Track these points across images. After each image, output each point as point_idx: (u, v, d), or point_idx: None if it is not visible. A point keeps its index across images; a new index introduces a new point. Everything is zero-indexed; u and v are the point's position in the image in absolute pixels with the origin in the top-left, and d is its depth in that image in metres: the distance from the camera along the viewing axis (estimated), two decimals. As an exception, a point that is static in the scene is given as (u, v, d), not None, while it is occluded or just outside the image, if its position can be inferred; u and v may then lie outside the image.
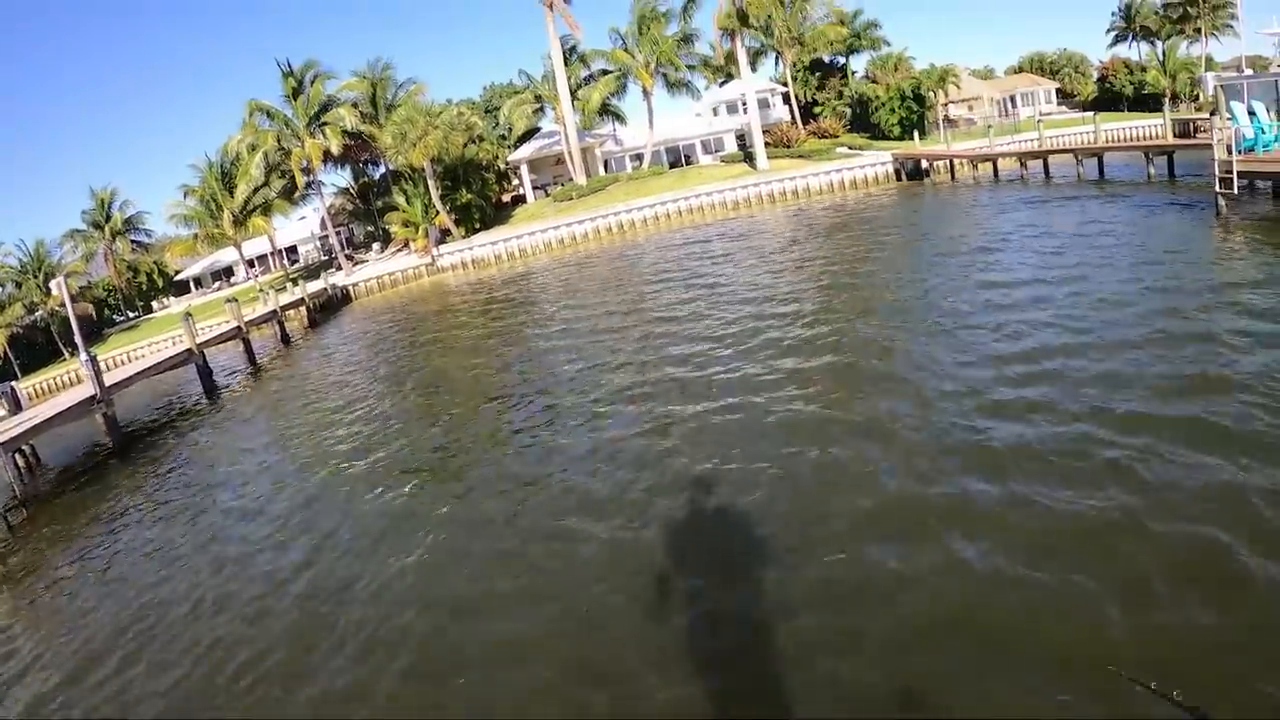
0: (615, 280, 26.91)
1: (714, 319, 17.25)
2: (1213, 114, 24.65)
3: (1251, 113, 24.09)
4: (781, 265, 23.03)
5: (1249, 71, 44.11)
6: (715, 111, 60.68)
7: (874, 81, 56.80)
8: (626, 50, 50.89)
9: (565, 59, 48.82)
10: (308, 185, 50.43)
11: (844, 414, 10.11)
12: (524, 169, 55.80)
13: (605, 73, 52.53)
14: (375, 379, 19.75)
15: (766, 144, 47.63)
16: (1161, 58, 62.71)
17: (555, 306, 24.10)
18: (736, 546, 7.47)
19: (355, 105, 47.38)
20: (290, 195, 51.93)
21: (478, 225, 48.19)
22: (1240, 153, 21.01)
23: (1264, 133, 22.91)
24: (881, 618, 5.99)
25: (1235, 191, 19.81)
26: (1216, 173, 19.97)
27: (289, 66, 45.61)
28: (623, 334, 17.87)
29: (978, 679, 5.20)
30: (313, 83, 46.19)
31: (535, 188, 55.58)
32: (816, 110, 56.95)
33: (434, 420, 14.40)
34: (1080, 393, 9.21)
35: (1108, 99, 64.91)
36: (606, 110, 55.00)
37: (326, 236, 59.76)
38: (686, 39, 51.47)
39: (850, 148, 47.76)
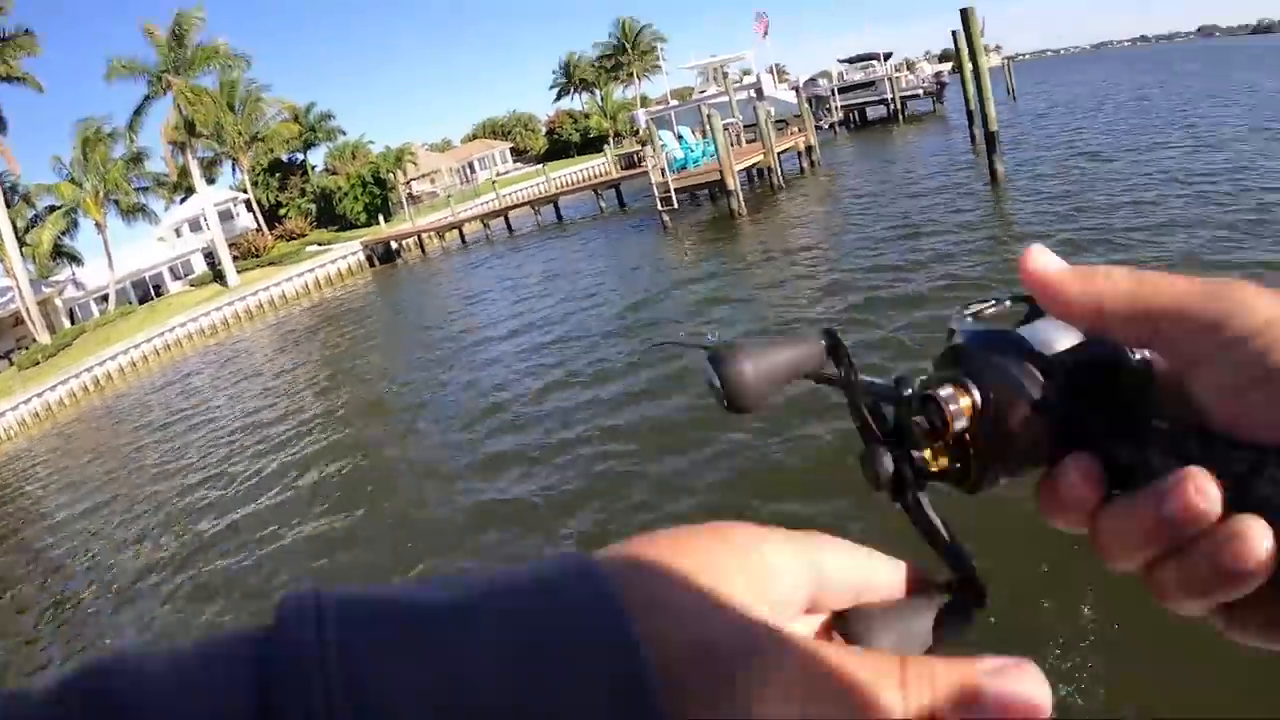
0: (105, 447, 23.54)
1: (215, 458, 15.98)
2: (643, 145, 29.51)
3: (680, 136, 28.17)
4: (272, 382, 22.29)
5: (674, 102, 53.48)
6: (179, 232, 56.39)
7: (334, 173, 57.40)
8: (73, 181, 45.28)
9: (6, 200, 42.07)
10: None
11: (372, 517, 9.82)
12: (-30, 342, 46.87)
13: (54, 209, 46.36)
14: None
15: (235, 256, 45.66)
16: (601, 103, 71.36)
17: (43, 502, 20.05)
18: None
19: None
20: None
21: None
22: (675, 172, 24.47)
23: (692, 151, 26.90)
24: None
25: (675, 206, 22.87)
26: (656, 194, 22.88)
27: None
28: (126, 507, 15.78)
29: None
30: None
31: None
32: (282, 212, 55.86)
33: None
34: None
35: (558, 149, 72.33)
36: (61, 252, 48.53)
37: None
38: (137, 159, 47.04)
39: (319, 244, 47.62)
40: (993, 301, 0.41)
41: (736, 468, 7.57)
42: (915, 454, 0.38)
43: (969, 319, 0.40)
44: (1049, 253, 0.38)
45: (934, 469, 0.38)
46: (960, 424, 0.36)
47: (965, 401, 0.37)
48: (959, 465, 0.38)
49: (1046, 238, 12.64)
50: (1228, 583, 0.31)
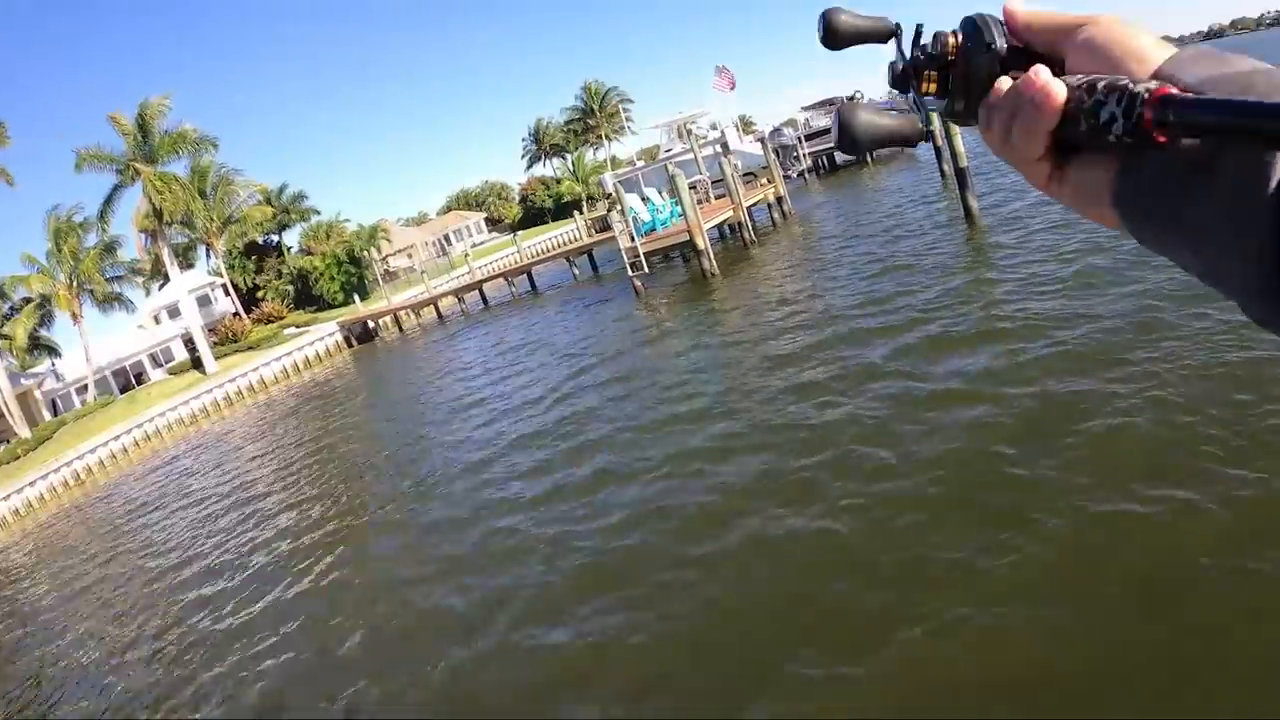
0: (83, 545, 22.74)
1: (196, 551, 15.32)
2: (610, 209, 29.34)
3: (646, 198, 27.73)
4: (250, 468, 21.69)
5: (641, 163, 53.82)
6: (158, 319, 56.22)
7: (310, 253, 57.48)
8: (44, 273, 44.93)
9: (-19, 294, 41.79)
10: None
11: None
12: (-50, 441, 46.10)
13: (28, 301, 46.04)
14: None
15: (214, 342, 45.41)
16: (572, 168, 71.47)
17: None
18: None
19: None
20: None
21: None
22: (644, 235, 24.18)
23: (659, 212, 26.53)
24: None
25: (647, 270, 22.55)
26: (626, 260, 22.63)
27: None
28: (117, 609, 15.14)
29: None
30: None
31: (-19, 455, 46.13)
32: (260, 294, 55.74)
33: None
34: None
35: (532, 215, 72.57)
36: (39, 344, 48.15)
37: None
38: (110, 248, 46.77)
39: (297, 326, 47.43)
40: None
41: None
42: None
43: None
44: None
45: (926, 89, 0.64)
46: (949, 48, 0.62)
47: (953, 41, 0.62)
48: (944, 88, 0.63)
49: (1026, 273, 12.57)
50: (1024, 114, 0.54)
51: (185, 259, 56.88)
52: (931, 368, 10.09)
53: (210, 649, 9.78)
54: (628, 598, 6.98)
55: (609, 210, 27.35)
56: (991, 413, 8.08)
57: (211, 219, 50.63)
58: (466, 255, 43.15)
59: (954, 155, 18.43)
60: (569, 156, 74.71)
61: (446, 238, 70.29)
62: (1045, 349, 9.31)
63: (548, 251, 46.40)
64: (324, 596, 9.92)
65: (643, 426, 11.52)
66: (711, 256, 21.90)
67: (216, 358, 43.79)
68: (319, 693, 7.54)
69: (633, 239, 22.79)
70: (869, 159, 46.34)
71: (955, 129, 18.32)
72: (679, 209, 22.59)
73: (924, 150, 40.37)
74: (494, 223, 78.78)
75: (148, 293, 58.00)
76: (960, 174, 18.30)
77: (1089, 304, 10.42)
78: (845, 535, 6.72)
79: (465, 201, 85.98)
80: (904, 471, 7.45)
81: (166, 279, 55.73)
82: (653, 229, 25.59)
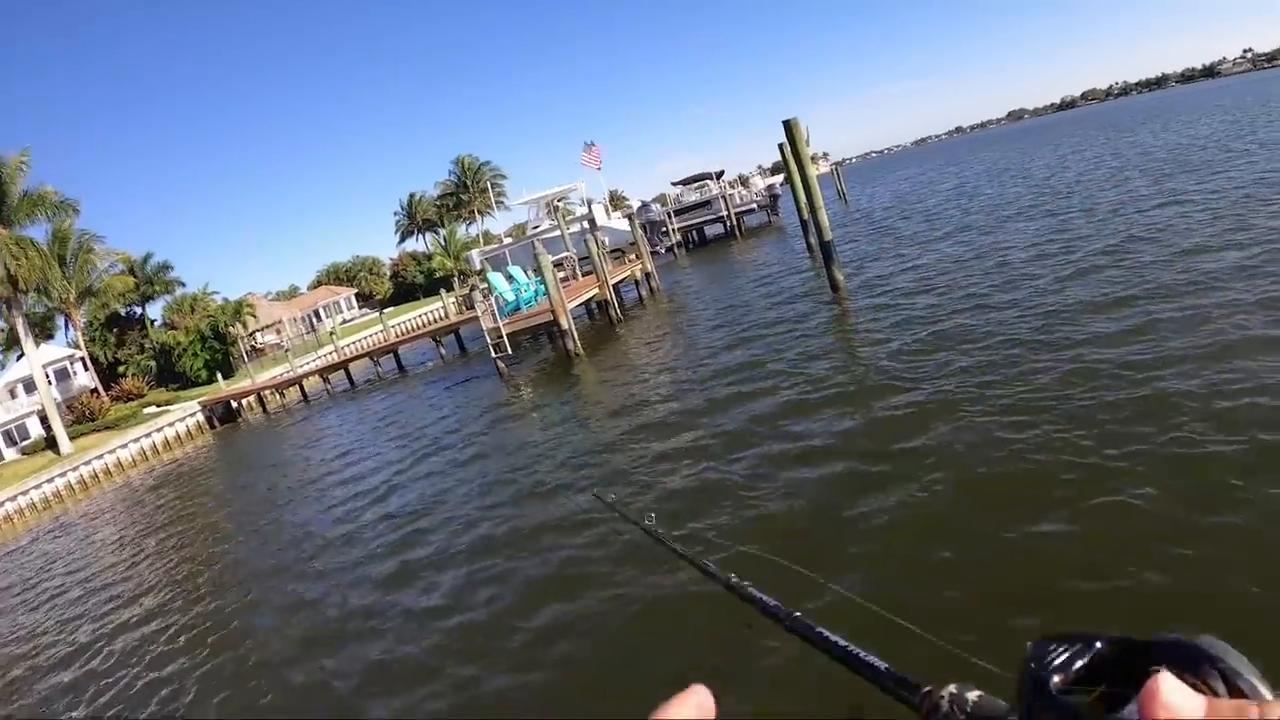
0: None
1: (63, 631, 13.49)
2: (472, 289, 28.51)
3: (510, 277, 27.17)
4: (117, 553, 19.64)
5: (508, 240, 53.34)
6: (14, 393, 51.74)
7: (174, 328, 54.57)
8: None
9: None
10: None
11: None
12: None
13: None
14: None
15: (71, 420, 42.16)
16: (444, 243, 70.62)
17: None
18: None
19: None
20: None
21: None
22: (507, 316, 23.64)
23: (523, 291, 25.90)
24: None
25: (510, 352, 22.06)
26: (489, 340, 22.06)
27: None
28: None
29: None
30: None
31: None
32: (121, 369, 52.36)
33: None
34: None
35: (404, 291, 71.49)
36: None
37: None
38: None
39: (157, 404, 44.64)
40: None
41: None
42: None
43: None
44: (1181, 688, 0.42)
45: None
46: None
47: None
48: None
49: (893, 348, 12.79)
50: None
51: (44, 328, 53.05)
52: (787, 429, 10.43)
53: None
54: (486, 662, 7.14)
55: (470, 290, 26.69)
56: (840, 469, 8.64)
57: (70, 288, 47.43)
58: (333, 333, 41.63)
59: (819, 229, 18.81)
60: (441, 231, 73.92)
61: (316, 313, 67.96)
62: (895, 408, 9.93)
63: (415, 330, 45.57)
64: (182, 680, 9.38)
65: (489, 507, 11.55)
66: (575, 336, 21.63)
67: (72, 437, 40.56)
68: None
69: (495, 319, 22.24)
70: (737, 233, 47.68)
71: (820, 202, 18.84)
72: (543, 288, 22.29)
73: (789, 220, 41.90)
74: (365, 298, 77.00)
75: (2, 365, 53.72)
76: (825, 246, 18.75)
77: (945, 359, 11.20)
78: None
79: (336, 276, 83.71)
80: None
81: (22, 351, 51.63)
82: (517, 308, 25.21)
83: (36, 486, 36.74)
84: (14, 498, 35.86)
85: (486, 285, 25.86)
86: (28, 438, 46.79)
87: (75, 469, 37.74)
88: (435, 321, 44.34)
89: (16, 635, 15.26)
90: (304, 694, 7.93)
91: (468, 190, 75.31)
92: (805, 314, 17.95)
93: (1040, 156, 50.93)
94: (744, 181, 58.17)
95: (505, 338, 22.07)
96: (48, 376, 45.76)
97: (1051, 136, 76.53)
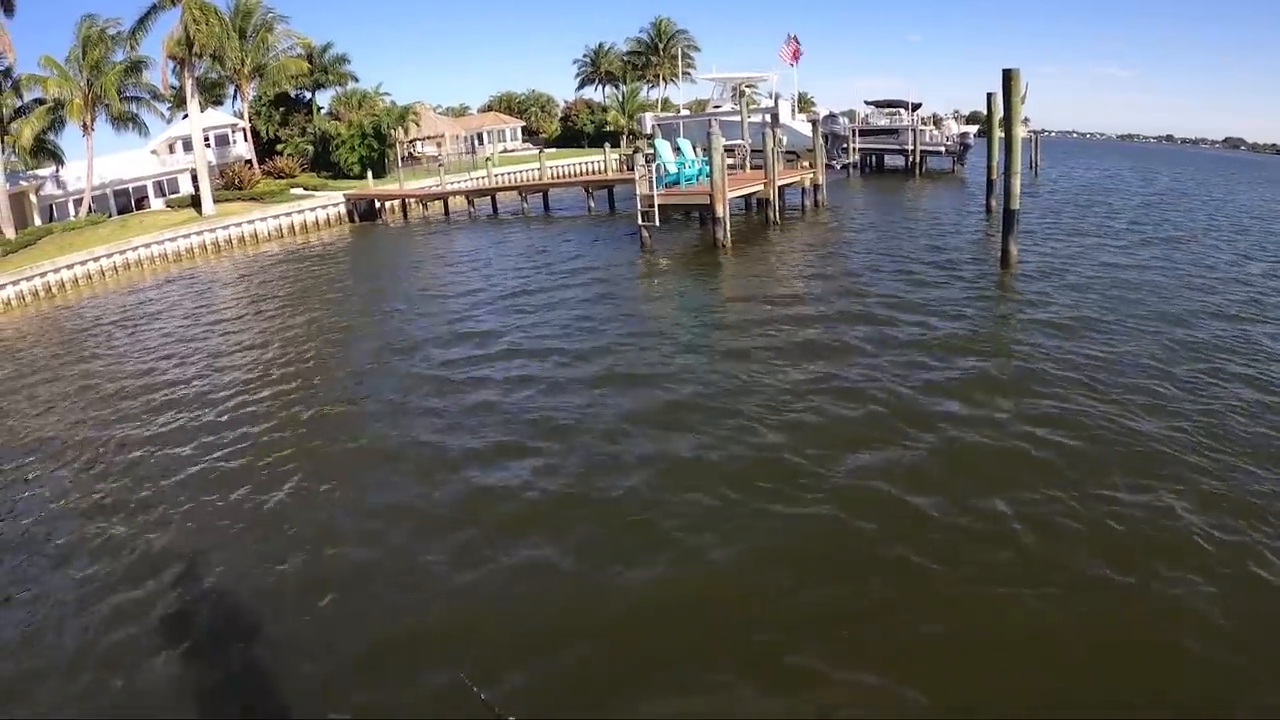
0: (41, 360, 21.34)
1: (153, 383, 13.97)
2: (636, 151, 27.75)
3: (678, 149, 25.99)
4: (223, 320, 20.15)
5: (686, 113, 52.03)
6: (172, 149, 54.81)
7: (338, 119, 55.98)
8: (63, 78, 43.39)
9: (-2, 84, 40.28)
10: None
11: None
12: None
13: (40, 103, 44.51)
14: None
15: (220, 186, 44.35)
16: (622, 99, 68.91)
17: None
18: None
19: None
20: None
21: None
22: (664, 187, 22.84)
23: (686, 167, 24.68)
24: None
25: (657, 224, 21.38)
26: (639, 207, 21.34)
27: None
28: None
29: None
30: None
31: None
32: (280, 147, 54.47)
33: None
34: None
35: (570, 135, 70.67)
36: (44, 148, 46.61)
37: None
38: (135, 67, 45.10)
39: (305, 188, 46.25)
40: None
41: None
42: None
43: None
44: None
45: None
46: None
47: None
48: None
49: (1047, 354, 11.34)
50: None
51: (213, 95, 55.20)
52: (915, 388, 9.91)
53: (145, 473, 9.83)
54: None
55: (635, 151, 25.76)
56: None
57: (244, 60, 49.04)
58: (489, 159, 41.75)
59: (1007, 195, 17.13)
60: (622, 87, 72.46)
61: (480, 136, 68.34)
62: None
63: (570, 177, 45.20)
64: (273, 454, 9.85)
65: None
66: (727, 227, 20.82)
67: (217, 200, 42.67)
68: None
69: (651, 187, 21.56)
70: (917, 172, 45.03)
71: (1017, 166, 17.06)
72: (707, 168, 21.41)
73: (975, 173, 39.08)
74: (531, 133, 77.08)
75: (169, 120, 56.56)
76: (1008, 215, 17.11)
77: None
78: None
79: (508, 105, 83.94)
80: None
81: (187, 112, 54.19)
82: (676, 182, 24.18)
83: (172, 239, 38.90)
84: (148, 245, 38.21)
85: (652, 151, 24.92)
86: (177, 192, 49.45)
87: (211, 231, 39.73)
88: (593, 173, 43.79)
89: (121, 370, 16.16)
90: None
91: (657, 53, 73.19)
92: (968, 283, 16.32)
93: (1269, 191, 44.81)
94: (937, 121, 54.41)
95: (656, 208, 21.41)
96: (208, 140, 47.39)
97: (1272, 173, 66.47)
